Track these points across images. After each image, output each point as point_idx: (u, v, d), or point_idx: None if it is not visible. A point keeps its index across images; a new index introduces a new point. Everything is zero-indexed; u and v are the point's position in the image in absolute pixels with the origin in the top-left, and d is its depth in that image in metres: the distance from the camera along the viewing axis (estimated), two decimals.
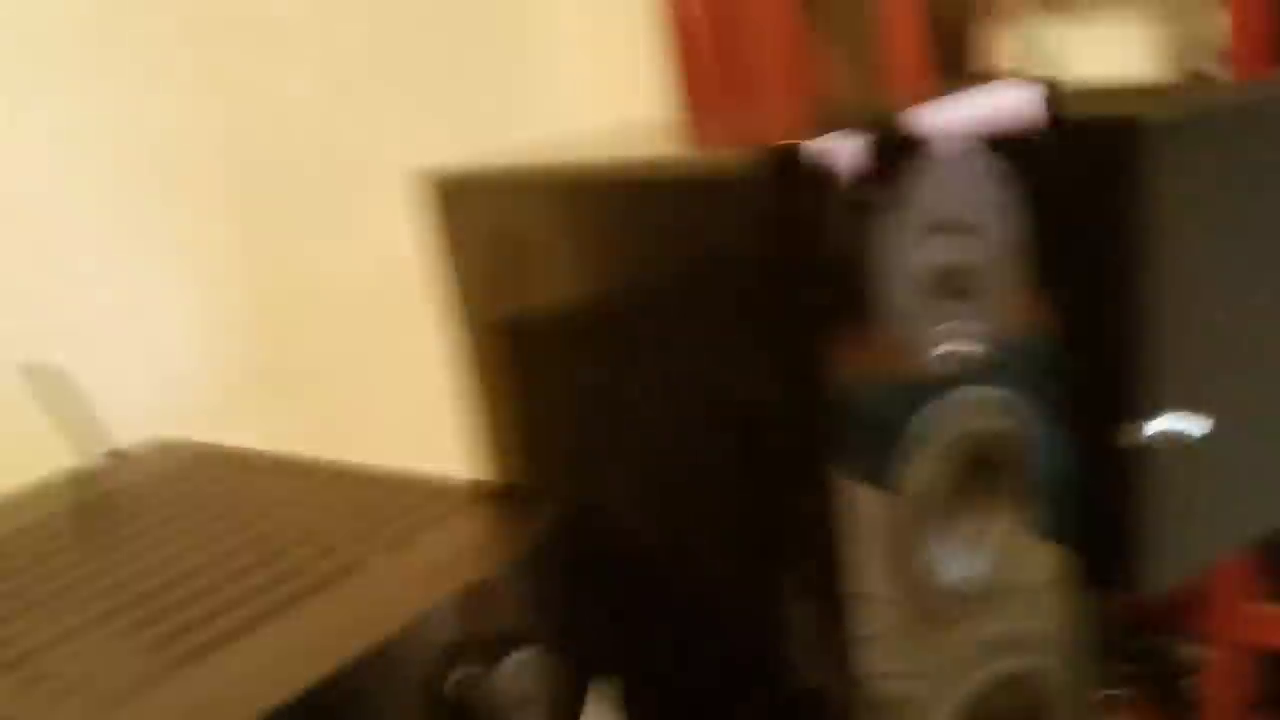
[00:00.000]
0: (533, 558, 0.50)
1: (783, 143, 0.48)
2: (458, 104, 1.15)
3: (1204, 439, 0.74)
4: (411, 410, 1.05)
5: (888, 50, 1.16)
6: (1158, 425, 0.72)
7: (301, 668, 0.43)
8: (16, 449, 0.75)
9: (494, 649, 0.46)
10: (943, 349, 0.56)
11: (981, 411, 0.59)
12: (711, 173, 0.51)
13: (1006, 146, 0.56)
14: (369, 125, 1.06)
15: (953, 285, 0.55)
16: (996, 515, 0.61)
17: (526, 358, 0.65)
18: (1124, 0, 1.18)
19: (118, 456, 0.73)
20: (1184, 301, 0.71)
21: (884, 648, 0.57)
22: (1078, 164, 0.71)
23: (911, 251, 0.53)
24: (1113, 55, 1.19)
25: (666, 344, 0.58)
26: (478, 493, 0.57)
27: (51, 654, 0.48)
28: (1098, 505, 0.75)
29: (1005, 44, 1.22)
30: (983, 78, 0.61)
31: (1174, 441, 0.73)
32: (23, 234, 0.83)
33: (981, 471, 0.60)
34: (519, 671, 0.45)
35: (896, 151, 0.51)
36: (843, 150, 0.49)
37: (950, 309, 0.56)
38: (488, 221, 0.65)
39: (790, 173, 0.48)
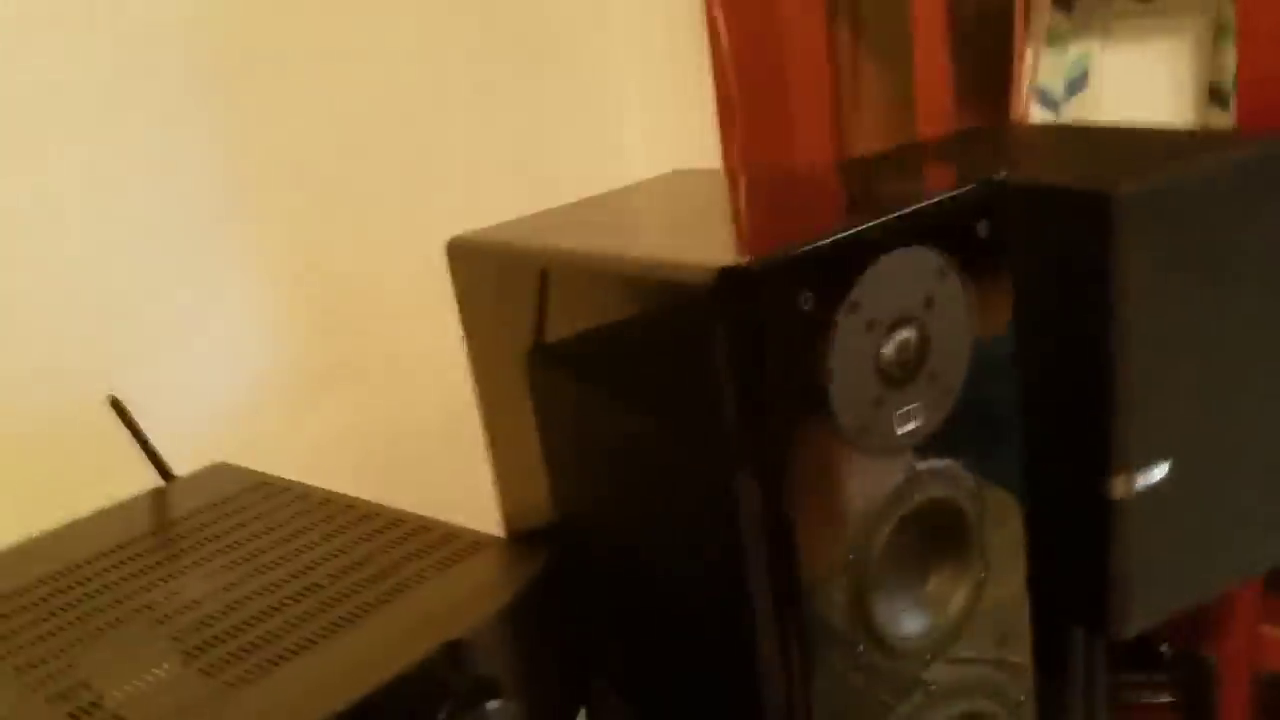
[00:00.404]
0: (514, 611, 0.58)
1: (735, 262, 0.55)
2: (512, 123, 1.22)
3: (1176, 490, 0.79)
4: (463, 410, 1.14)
5: (919, 78, 1.20)
6: (1132, 477, 0.78)
7: (315, 706, 0.52)
8: (87, 474, 0.86)
9: (473, 697, 0.54)
10: (896, 428, 0.62)
11: (932, 482, 0.65)
12: (674, 280, 0.58)
13: (948, 241, 0.61)
14: (427, 141, 1.14)
15: (902, 370, 0.61)
16: (944, 575, 0.67)
17: (516, 401, 0.73)
18: (1158, 25, 1.20)
19: (178, 482, 0.83)
20: (1157, 360, 0.76)
21: (846, 691, 0.64)
22: (1055, 230, 0.76)
23: (862, 346, 0.59)
24: (1144, 79, 1.21)
25: (641, 424, 0.65)
26: (479, 542, 0.65)
27: (108, 680, 0.57)
28: (1072, 553, 0.80)
29: (1039, 65, 1.25)
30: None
31: (1147, 493, 0.78)
32: (104, 256, 0.92)
33: (933, 536, 0.66)
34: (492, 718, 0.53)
35: (846, 258, 0.57)
36: (793, 262, 0.56)
37: (901, 391, 0.62)
38: (487, 283, 0.72)
39: (741, 291, 0.55)
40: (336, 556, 0.66)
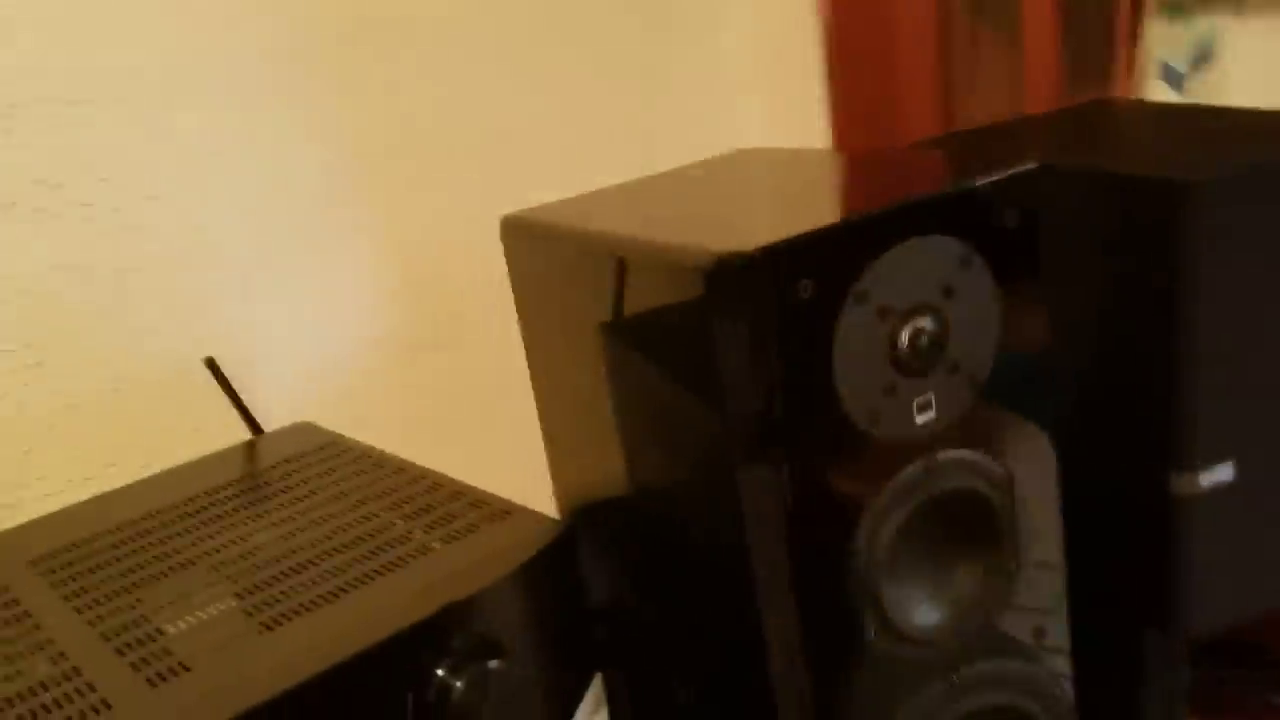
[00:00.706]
0: (523, 577, 0.61)
1: (734, 248, 0.56)
2: (625, 100, 1.24)
3: (1245, 489, 0.75)
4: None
5: (1028, 52, 1.16)
6: (1197, 475, 0.75)
7: (327, 653, 0.56)
8: (194, 426, 0.93)
9: (475, 655, 0.57)
10: (912, 417, 0.62)
11: (955, 473, 0.64)
12: (676, 266, 0.59)
13: (973, 230, 0.61)
14: (534, 114, 1.17)
15: (918, 360, 0.61)
16: (970, 567, 0.67)
17: (551, 377, 0.76)
18: None
19: (261, 439, 0.89)
20: (1230, 354, 0.73)
21: (859, 680, 0.64)
22: (1126, 218, 0.74)
23: (872, 334, 0.59)
24: (1270, 50, 1.14)
25: (659, 408, 0.66)
26: (506, 509, 0.68)
27: (161, 617, 0.63)
28: (1138, 551, 0.78)
29: (1160, 34, 1.19)
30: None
31: (1212, 491, 0.75)
32: (213, 225, 0.99)
33: (958, 526, 0.66)
34: (485, 680, 0.56)
35: (851, 246, 0.58)
36: (794, 250, 0.56)
37: (918, 381, 0.62)
38: (531, 261, 0.75)
39: (741, 278, 0.56)
40: (377, 516, 0.70)
